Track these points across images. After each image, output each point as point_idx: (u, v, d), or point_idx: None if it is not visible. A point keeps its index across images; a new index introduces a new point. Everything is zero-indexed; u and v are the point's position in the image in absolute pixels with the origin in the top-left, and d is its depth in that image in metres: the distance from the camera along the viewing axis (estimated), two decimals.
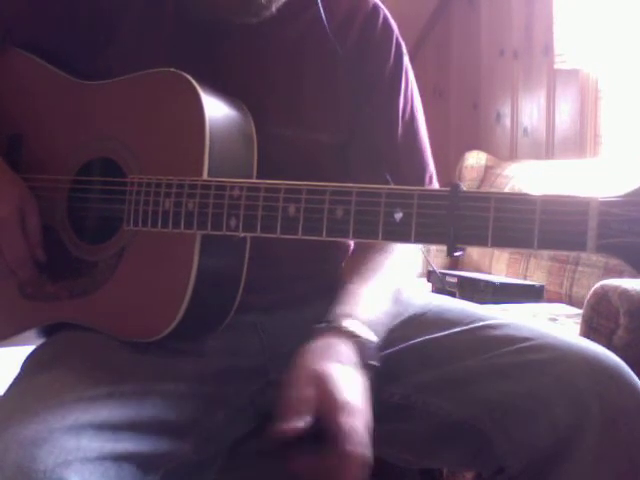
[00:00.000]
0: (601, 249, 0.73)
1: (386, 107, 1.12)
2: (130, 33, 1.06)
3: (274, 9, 1.02)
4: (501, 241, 0.78)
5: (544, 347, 0.94)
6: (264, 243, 0.93)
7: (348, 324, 0.94)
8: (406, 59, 1.14)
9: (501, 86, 3.26)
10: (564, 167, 2.59)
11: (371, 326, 0.96)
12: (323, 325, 0.95)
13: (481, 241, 0.78)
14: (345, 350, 0.91)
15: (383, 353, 0.96)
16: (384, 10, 1.13)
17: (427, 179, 1.15)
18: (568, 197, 0.76)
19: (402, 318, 1.06)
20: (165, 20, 1.07)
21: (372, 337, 0.95)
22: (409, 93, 1.14)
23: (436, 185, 1.16)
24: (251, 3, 1.00)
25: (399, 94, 1.12)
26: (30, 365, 0.99)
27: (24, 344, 1.11)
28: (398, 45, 1.13)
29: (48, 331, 1.07)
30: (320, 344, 0.91)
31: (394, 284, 1.06)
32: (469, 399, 0.96)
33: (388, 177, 1.07)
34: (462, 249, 0.81)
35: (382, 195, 0.83)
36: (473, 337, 1.00)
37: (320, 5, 1.08)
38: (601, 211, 0.73)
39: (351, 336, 0.93)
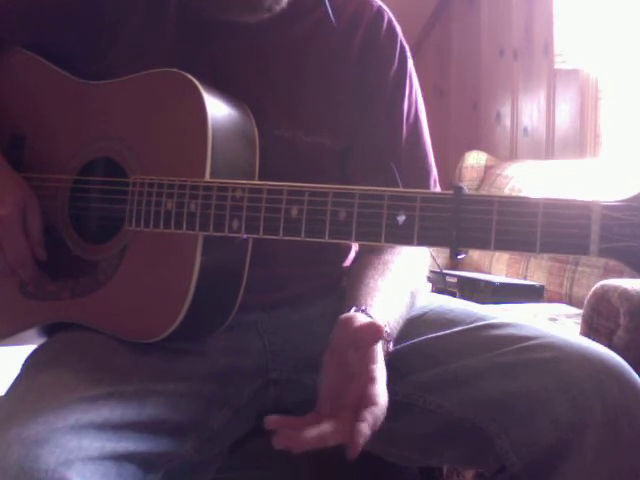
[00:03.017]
0: (603, 253, 0.73)
1: (390, 110, 1.12)
2: (132, 34, 1.06)
3: (285, 3, 1.02)
4: (504, 244, 0.78)
5: (546, 346, 0.94)
6: (265, 243, 0.93)
7: (375, 315, 0.94)
8: (410, 63, 1.14)
9: (501, 86, 3.27)
10: (564, 167, 2.59)
11: (390, 327, 0.97)
12: (353, 309, 0.95)
13: (484, 244, 0.78)
14: None
15: None
16: (389, 14, 1.13)
17: (432, 183, 1.15)
18: (570, 201, 0.76)
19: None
20: (167, 21, 1.07)
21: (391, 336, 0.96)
22: (413, 97, 1.14)
23: (438, 189, 1.16)
24: None
25: (403, 97, 1.12)
26: (31, 365, 0.99)
27: (25, 344, 1.11)
28: (402, 49, 1.13)
29: (49, 331, 1.07)
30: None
31: (411, 288, 1.07)
32: (470, 398, 0.96)
33: (397, 175, 1.07)
34: (465, 251, 0.81)
35: (385, 198, 0.83)
36: (475, 336, 1.00)
37: (328, 6, 1.08)
38: (604, 215, 0.73)
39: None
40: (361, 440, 0.79)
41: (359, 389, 0.84)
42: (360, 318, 0.90)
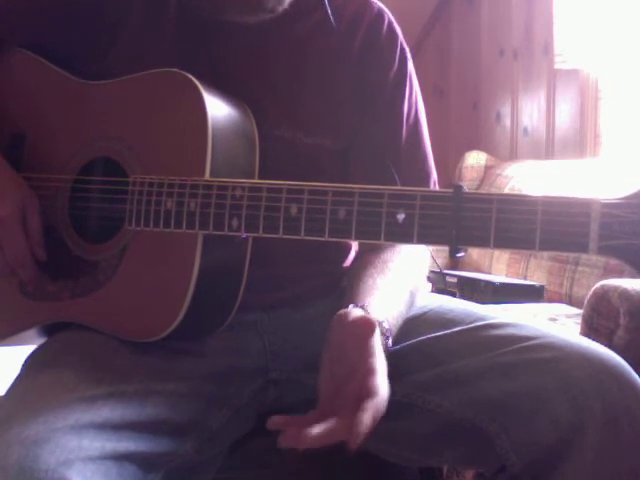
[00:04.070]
0: (603, 251, 0.73)
1: (390, 112, 1.12)
2: (132, 34, 1.06)
3: (287, 4, 1.03)
4: (503, 242, 0.78)
5: (546, 346, 0.94)
6: (265, 242, 0.93)
7: (374, 312, 0.95)
8: (410, 64, 1.14)
9: (501, 86, 3.27)
10: (564, 167, 2.59)
11: (389, 324, 0.96)
12: (351, 306, 0.95)
13: (483, 242, 0.78)
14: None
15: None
16: (389, 15, 1.14)
17: (431, 185, 1.15)
18: (570, 199, 0.76)
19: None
20: (167, 21, 1.07)
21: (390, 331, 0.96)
22: (413, 98, 1.14)
23: None
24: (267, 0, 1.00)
25: (403, 99, 1.12)
26: (31, 365, 0.99)
27: (25, 344, 1.11)
28: (402, 50, 1.13)
29: (49, 331, 1.07)
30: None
31: (410, 287, 1.07)
32: (470, 398, 0.96)
33: (395, 176, 1.07)
34: (464, 250, 0.81)
35: (384, 196, 0.83)
36: (475, 336, 1.00)
37: (328, 7, 1.08)
38: (603, 213, 0.73)
39: (377, 322, 0.93)
40: (362, 429, 0.79)
41: (359, 382, 0.84)
42: (355, 312, 0.90)
